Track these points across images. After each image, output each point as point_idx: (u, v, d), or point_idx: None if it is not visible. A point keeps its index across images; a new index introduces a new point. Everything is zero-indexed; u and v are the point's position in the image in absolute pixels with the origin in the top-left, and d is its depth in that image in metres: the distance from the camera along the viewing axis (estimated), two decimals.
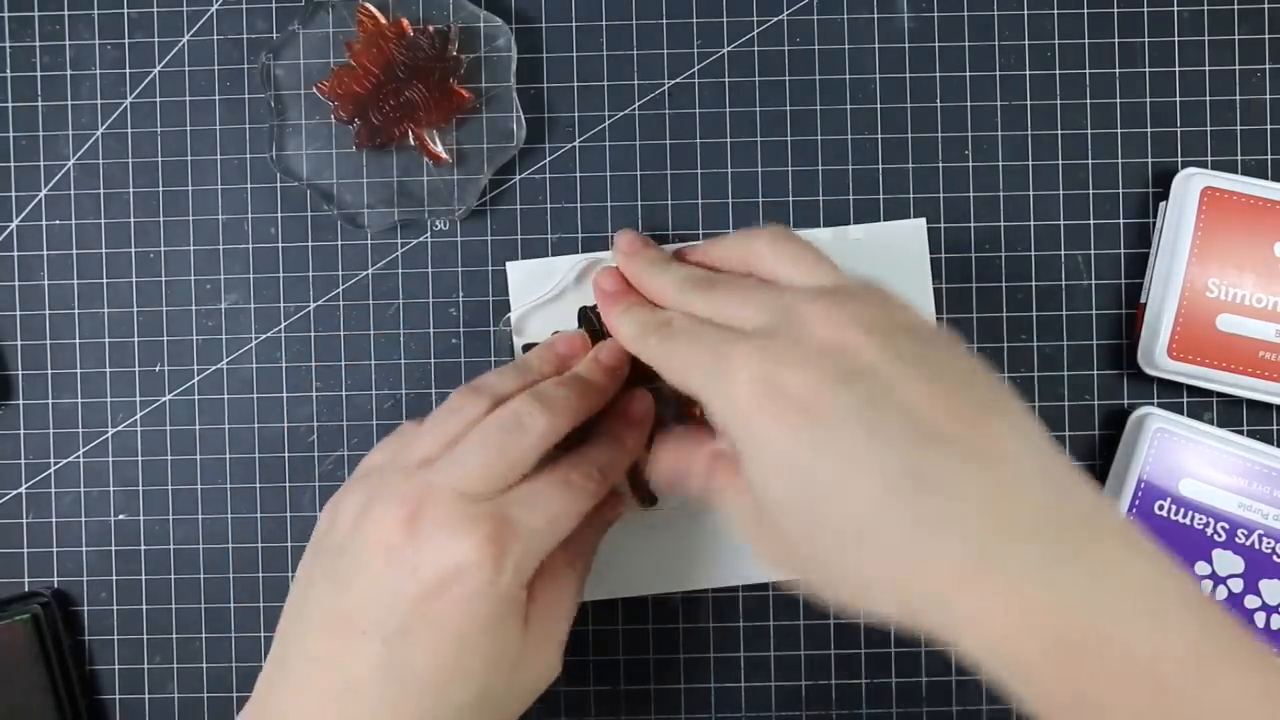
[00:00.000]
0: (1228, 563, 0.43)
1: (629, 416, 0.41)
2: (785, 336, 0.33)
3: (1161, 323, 0.43)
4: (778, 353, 0.32)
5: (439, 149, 0.44)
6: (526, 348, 0.45)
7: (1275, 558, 0.43)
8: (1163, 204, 0.45)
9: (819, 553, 0.32)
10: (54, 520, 0.46)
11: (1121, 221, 0.46)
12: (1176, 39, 0.46)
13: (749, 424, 0.32)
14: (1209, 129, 0.46)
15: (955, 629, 0.30)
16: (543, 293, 0.45)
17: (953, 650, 0.30)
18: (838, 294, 0.34)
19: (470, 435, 0.36)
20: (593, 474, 0.38)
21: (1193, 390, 0.45)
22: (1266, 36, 0.46)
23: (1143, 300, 0.45)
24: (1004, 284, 0.46)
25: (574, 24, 0.46)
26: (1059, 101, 0.46)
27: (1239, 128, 0.46)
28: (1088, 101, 0.46)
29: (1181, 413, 0.45)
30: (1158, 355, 0.44)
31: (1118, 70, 0.46)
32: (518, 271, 0.45)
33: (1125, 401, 0.46)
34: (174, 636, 0.46)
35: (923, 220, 0.45)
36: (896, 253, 0.45)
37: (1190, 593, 0.30)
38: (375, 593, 0.34)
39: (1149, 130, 0.46)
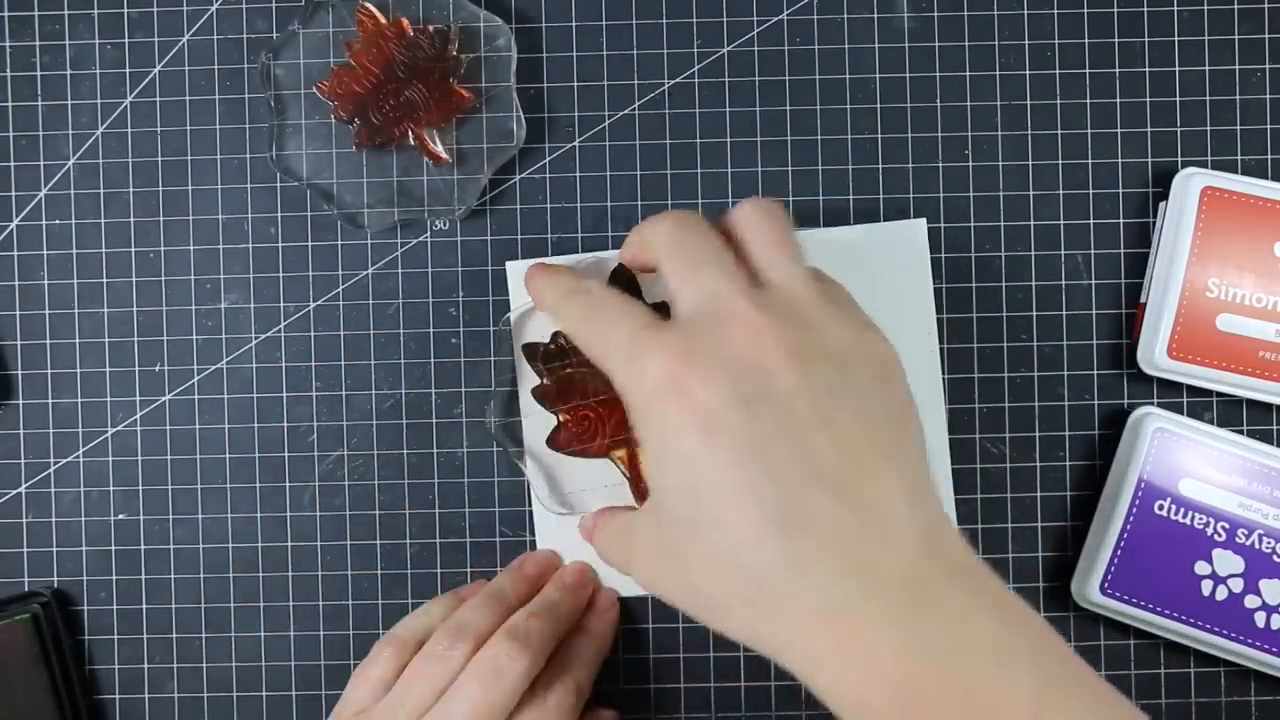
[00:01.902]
0: (1228, 563, 0.43)
1: (596, 607, 0.45)
2: (706, 336, 0.33)
3: (1161, 322, 0.43)
4: (693, 357, 0.32)
5: (439, 149, 0.44)
6: (526, 347, 0.45)
7: (1275, 558, 0.43)
8: (1163, 204, 0.45)
9: (690, 565, 0.33)
10: (54, 520, 0.46)
11: (1121, 221, 0.46)
12: (1176, 39, 0.46)
13: (651, 419, 0.33)
14: (1209, 129, 0.46)
15: (808, 669, 0.31)
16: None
17: (806, 685, 0.31)
18: (773, 301, 0.33)
19: (456, 689, 0.39)
20: (571, 688, 0.41)
21: (1193, 390, 0.45)
22: (1266, 36, 0.46)
23: (1143, 300, 0.45)
24: (1004, 284, 0.46)
25: (574, 24, 0.46)
26: (1059, 101, 0.46)
27: (1239, 128, 0.46)
28: (1088, 101, 0.46)
29: (1181, 413, 0.45)
30: (1158, 355, 0.44)
31: (1118, 70, 0.46)
32: (518, 271, 0.45)
33: (1125, 401, 0.46)
34: (174, 636, 0.46)
35: (923, 220, 0.45)
36: (896, 253, 0.45)
37: (1039, 643, 0.31)
38: None
39: (1149, 130, 0.46)
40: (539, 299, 0.40)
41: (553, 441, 0.44)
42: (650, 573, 0.35)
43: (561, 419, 0.44)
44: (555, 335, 0.44)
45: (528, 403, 0.45)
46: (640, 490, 0.44)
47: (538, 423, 0.45)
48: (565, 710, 0.40)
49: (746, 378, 0.32)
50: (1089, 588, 0.43)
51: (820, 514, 0.31)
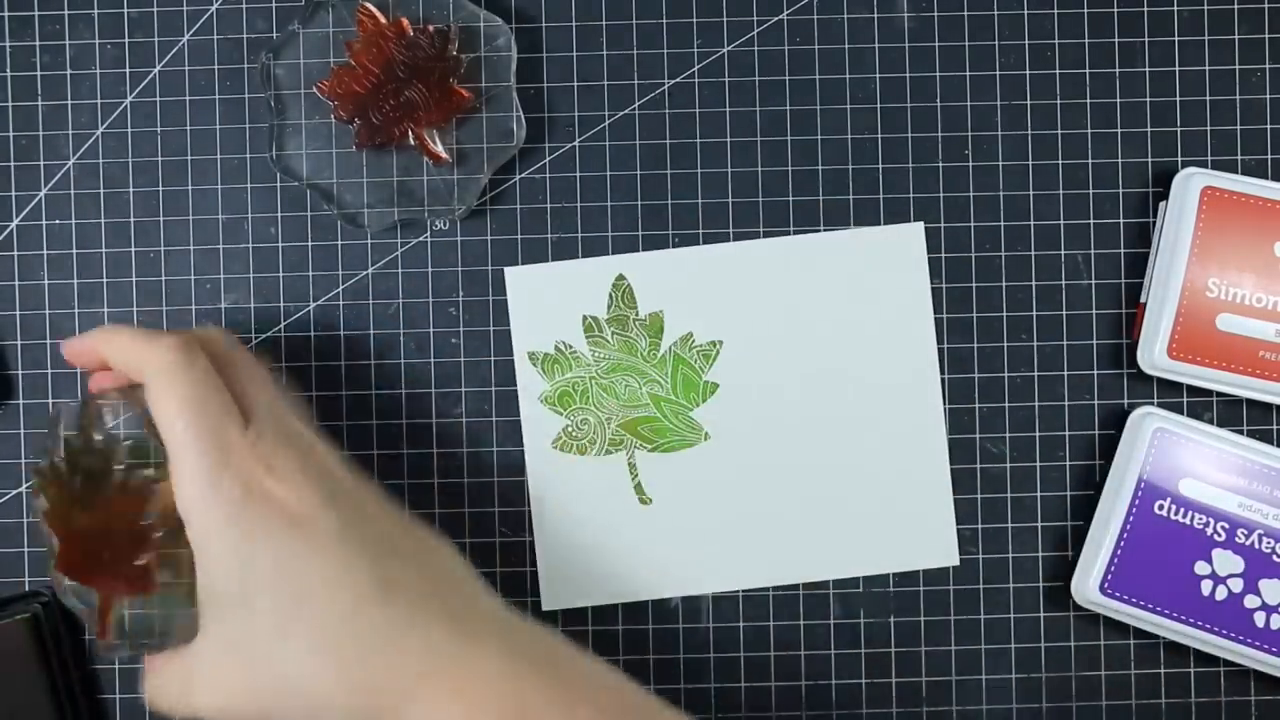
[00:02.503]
0: (1228, 563, 0.43)
1: None
2: (274, 436, 0.37)
3: (1161, 322, 0.43)
4: (269, 459, 0.36)
5: (439, 149, 0.44)
6: (531, 356, 0.45)
7: (1275, 558, 0.43)
8: (1163, 204, 0.45)
9: (283, 658, 0.35)
10: None
11: (1121, 221, 0.46)
12: (1176, 39, 0.46)
13: (229, 527, 0.35)
14: (1209, 129, 0.46)
15: (426, 715, 0.34)
16: (545, 300, 0.45)
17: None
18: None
19: None
20: None
21: (1192, 390, 0.45)
22: (1266, 36, 0.46)
23: (1143, 300, 0.45)
24: (1004, 284, 0.46)
25: (574, 24, 0.46)
26: (1059, 101, 0.46)
27: (1239, 128, 0.46)
28: (1088, 101, 0.46)
29: (1181, 412, 0.45)
30: (1157, 355, 0.44)
31: (1118, 70, 0.46)
32: (516, 277, 0.45)
33: (1125, 401, 0.46)
34: None
35: (920, 224, 0.45)
36: (895, 256, 0.45)
37: (600, 669, 0.37)
38: None
39: (1149, 130, 0.46)
40: (114, 357, 0.39)
41: (59, 565, 0.39)
42: (220, 697, 0.36)
43: (58, 542, 0.39)
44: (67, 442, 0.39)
45: (528, 406, 0.45)
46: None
47: (537, 427, 0.45)
48: None
49: (322, 480, 0.37)
50: (1088, 587, 0.43)
51: (406, 579, 0.36)
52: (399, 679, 0.34)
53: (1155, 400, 0.45)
